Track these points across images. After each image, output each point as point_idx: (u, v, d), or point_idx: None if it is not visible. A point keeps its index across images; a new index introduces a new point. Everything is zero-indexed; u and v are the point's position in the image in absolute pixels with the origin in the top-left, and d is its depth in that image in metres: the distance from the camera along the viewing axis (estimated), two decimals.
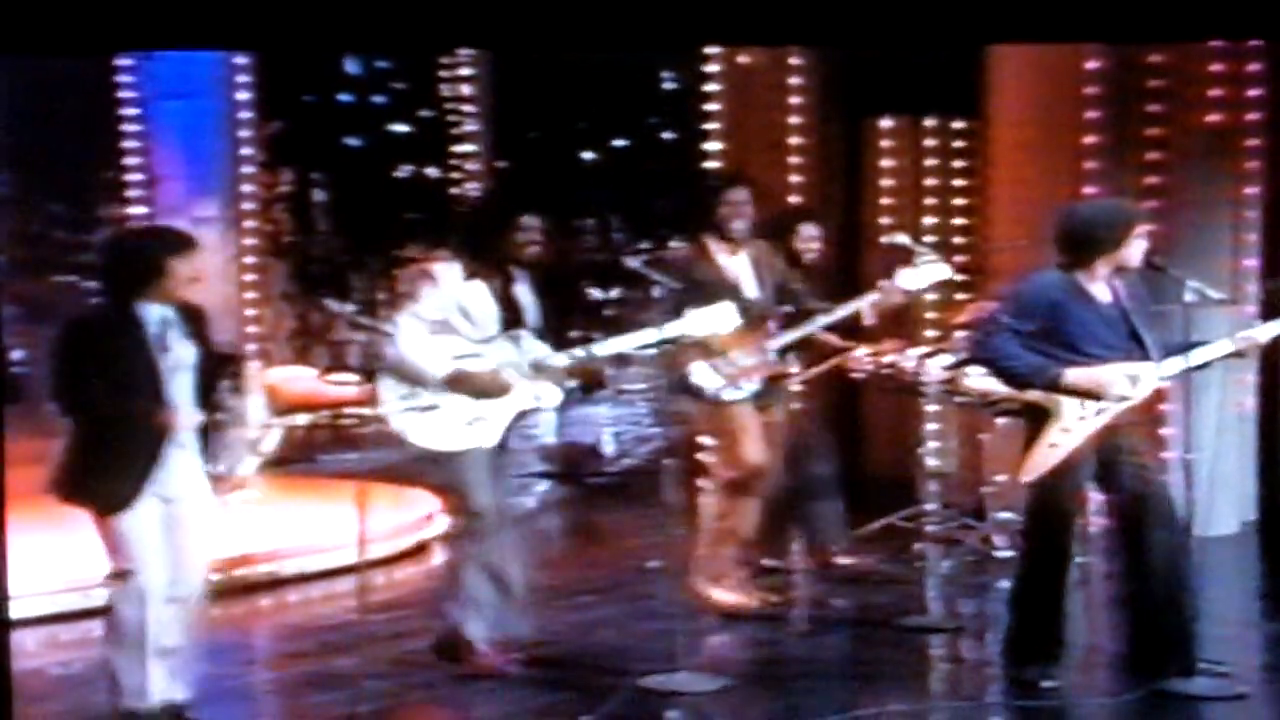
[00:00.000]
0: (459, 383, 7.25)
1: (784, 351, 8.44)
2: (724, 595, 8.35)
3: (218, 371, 6.48)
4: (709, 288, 7.88)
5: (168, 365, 6.30)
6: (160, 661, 6.38)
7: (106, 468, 6.26)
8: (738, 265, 8.31)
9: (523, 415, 7.42)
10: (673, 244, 8.78)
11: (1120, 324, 7.03)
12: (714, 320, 7.42)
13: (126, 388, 6.23)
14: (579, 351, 7.48)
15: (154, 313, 6.30)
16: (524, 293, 7.47)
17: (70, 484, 6.28)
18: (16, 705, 5.56)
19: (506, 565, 7.39)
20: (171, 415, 6.26)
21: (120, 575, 6.32)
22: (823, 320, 8.41)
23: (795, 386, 8.88)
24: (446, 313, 7.29)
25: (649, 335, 7.45)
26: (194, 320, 6.41)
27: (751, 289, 8.31)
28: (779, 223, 9.02)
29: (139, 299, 6.29)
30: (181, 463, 6.37)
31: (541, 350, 7.38)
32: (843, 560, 9.28)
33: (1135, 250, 7.03)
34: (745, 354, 8.21)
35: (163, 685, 6.40)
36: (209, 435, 6.47)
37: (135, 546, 6.27)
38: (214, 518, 6.51)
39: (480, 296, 7.33)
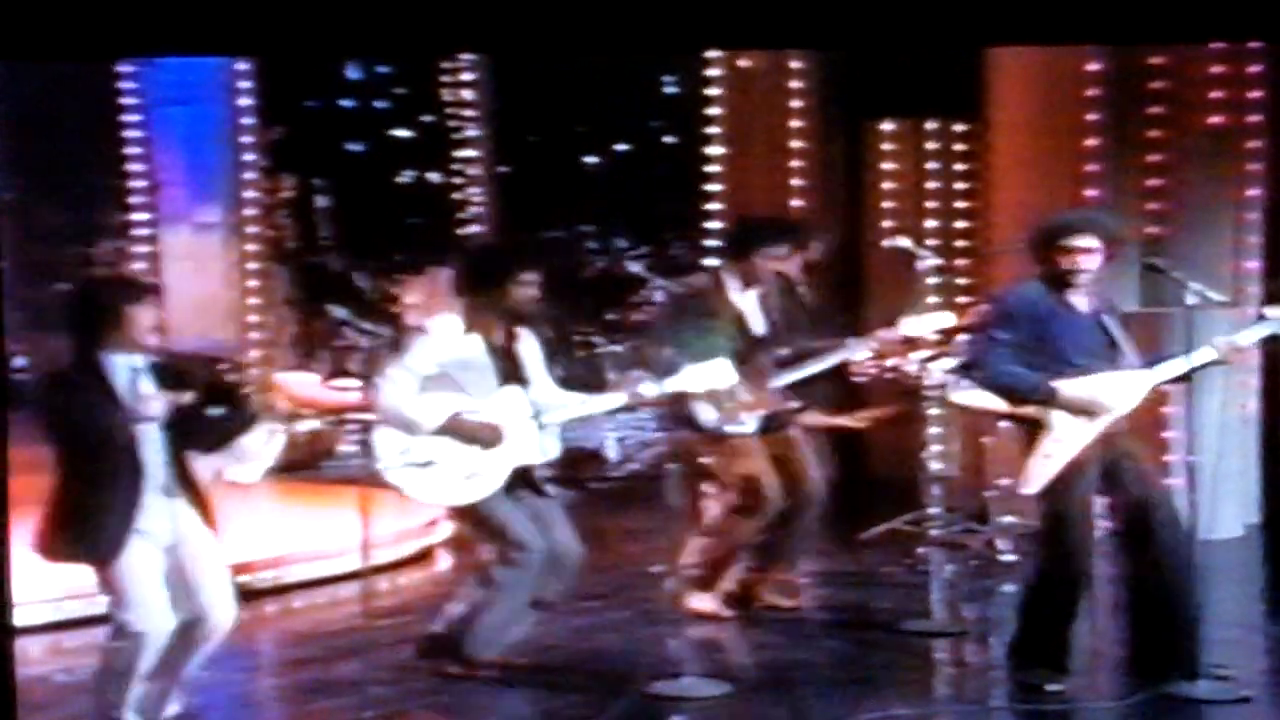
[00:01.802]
0: (453, 431, 7.23)
1: (789, 388, 8.41)
2: (702, 603, 8.31)
3: (203, 421, 6.43)
4: (716, 321, 7.90)
5: (138, 415, 6.27)
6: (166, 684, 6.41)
7: (85, 520, 6.24)
8: (747, 301, 8.34)
9: (524, 469, 7.39)
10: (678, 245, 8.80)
11: (1099, 332, 7.05)
12: (709, 377, 7.43)
13: (95, 441, 6.20)
14: (577, 408, 7.48)
15: (122, 363, 6.27)
16: (528, 345, 7.45)
17: (54, 542, 6.27)
18: (21, 713, 5.57)
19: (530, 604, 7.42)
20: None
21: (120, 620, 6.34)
22: (821, 364, 8.42)
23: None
24: (442, 366, 7.26)
25: (648, 390, 7.44)
26: (170, 371, 6.36)
27: (758, 325, 8.33)
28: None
29: (102, 349, 6.26)
30: (173, 508, 6.36)
31: (544, 403, 7.36)
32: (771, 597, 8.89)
33: (1074, 260, 6.99)
34: (746, 390, 8.17)
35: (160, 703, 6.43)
36: (194, 482, 6.45)
37: (130, 592, 6.27)
38: (219, 555, 6.51)
39: (477, 350, 7.31)
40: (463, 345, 7.30)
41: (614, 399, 7.54)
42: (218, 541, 6.49)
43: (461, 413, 7.23)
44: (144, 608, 6.27)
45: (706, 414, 8.10)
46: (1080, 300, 7.07)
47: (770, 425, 8.30)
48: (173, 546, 6.36)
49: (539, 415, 7.34)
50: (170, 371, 6.34)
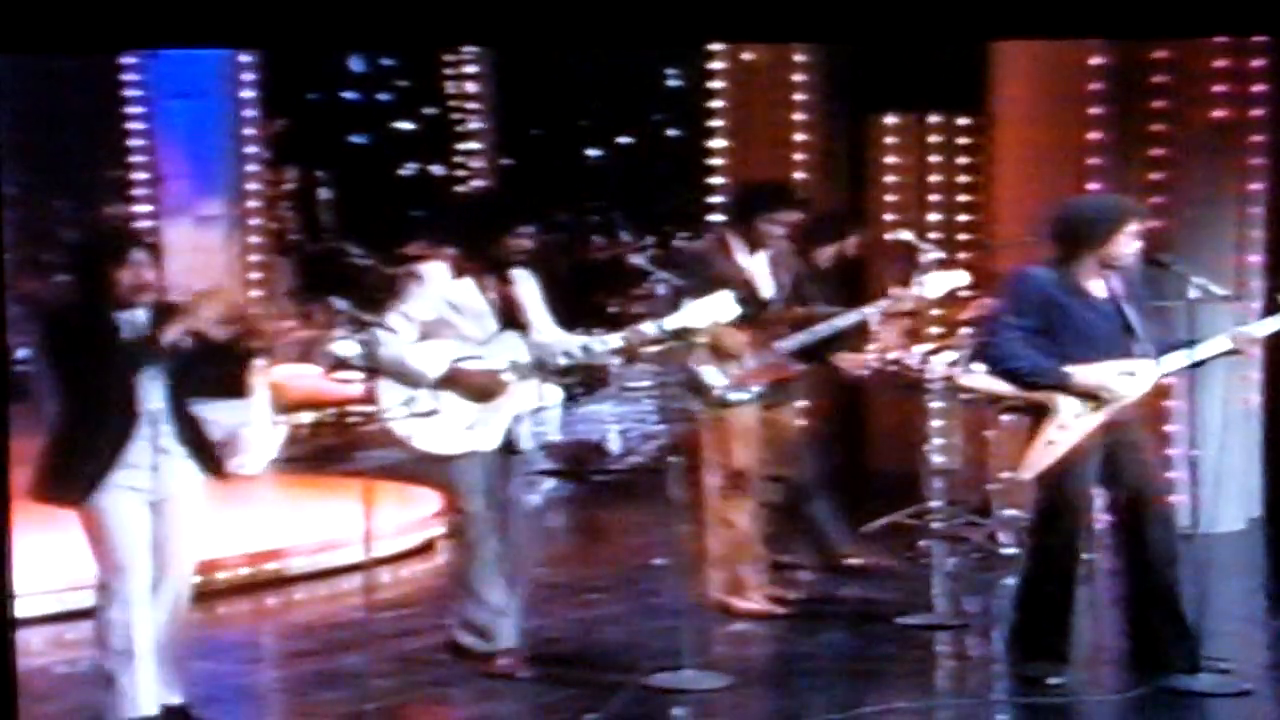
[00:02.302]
0: (454, 383, 7.24)
1: (798, 354, 8.43)
2: (743, 604, 8.33)
3: (203, 368, 6.45)
4: (724, 284, 7.87)
5: (140, 365, 6.29)
6: (154, 664, 6.39)
7: (72, 458, 6.26)
8: (756, 264, 8.34)
9: (529, 414, 7.41)
10: (681, 237, 8.85)
11: (1115, 319, 7.04)
12: (713, 311, 7.41)
13: (89, 385, 6.23)
14: (578, 349, 7.47)
15: (124, 315, 6.29)
16: (528, 292, 7.46)
17: (39, 483, 6.29)
18: (22, 704, 5.57)
19: (512, 564, 7.39)
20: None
21: (104, 579, 6.34)
22: (833, 325, 8.43)
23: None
24: (438, 312, 7.27)
25: (649, 329, 7.44)
26: (168, 311, 6.34)
27: (767, 289, 8.34)
28: (829, 227, 9.18)
29: (103, 303, 6.29)
30: (166, 464, 6.37)
31: (543, 348, 7.37)
32: (850, 560, 9.22)
33: (1126, 246, 7.01)
34: (753, 355, 8.21)
35: (156, 688, 6.41)
36: (197, 435, 6.47)
37: (115, 543, 6.27)
38: (202, 519, 6.51)
39: (470, 294, 7.32)
40: (456, 290, 7.31)
41: (617, 339, 7.54)
42: (204, 505, 6.50)
43: (462, 362, 7.25)
44: (125, 562, 6.27)
45: (713, 378, 8.10)
46: (1098, 286, 7.06)
47: (775, 392, 8.31)
48: (159, 503, 6.37)
49: (540, 359, 7.35)
50: (167, 312, 6.33)
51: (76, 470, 6.25)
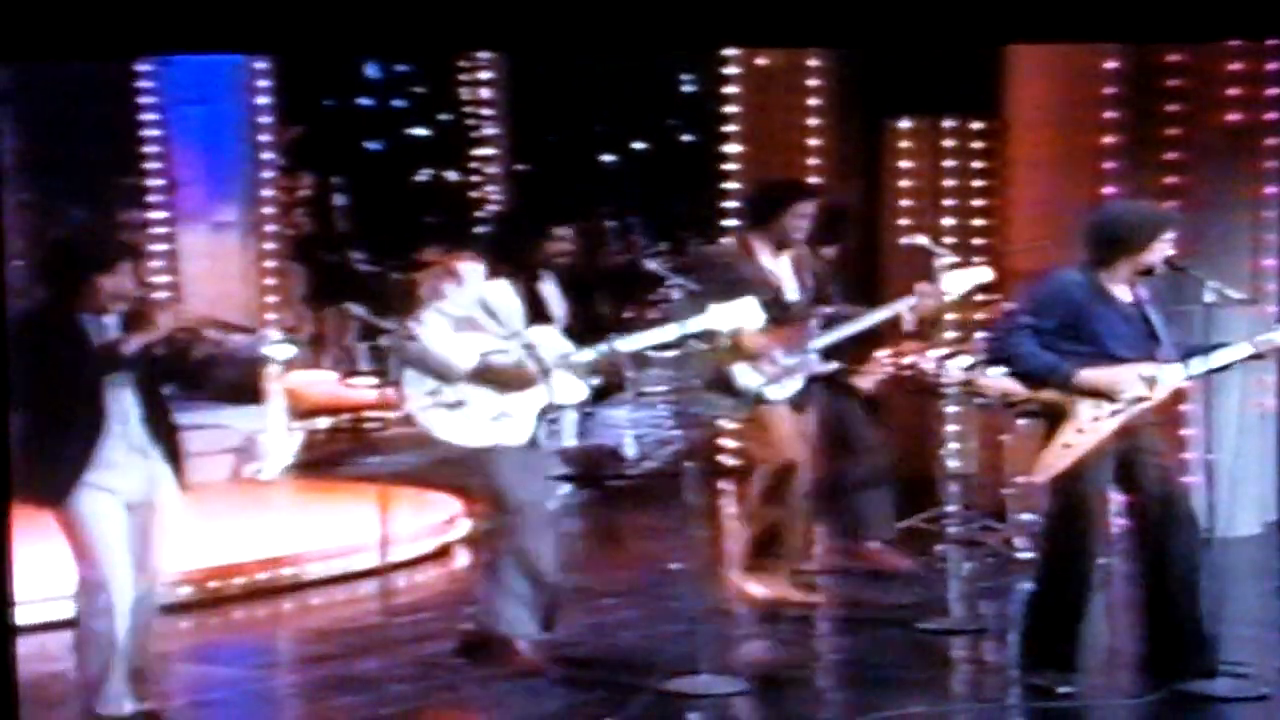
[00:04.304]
0: (484, 376, 7.28)
1: (825, 352, 8.45)
2: (760, 589, 8.35)
3: (167, 374, 6.46)
4: (748, 286, 7.88)
5: (109, 369, 6.27)
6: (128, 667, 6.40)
7: (44, 459, 6.23)
8: (780, 266, 8.36)
9: (550, 410, 7.45)
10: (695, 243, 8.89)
11: (1140, 324, 7.03)
12: (738, 316, 7.43)
13: (59, 387, 6.21)
14: (603, 346, 7.51)
15: (92, 321, 6.31)
16: (550, 291, 7.53)
17: (16, 480, 6.30)
18: (34, 710, 5.58)
19: (542, 565, 7.42)
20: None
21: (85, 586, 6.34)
22: (862, 323, 8.45)
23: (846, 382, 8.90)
24: (471, 310, 7.34)
25: (672, 330, 7.47)
26: (138, 317, 6.36)
27: (792, 290, 8.36)
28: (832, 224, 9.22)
29: (73, 308, 6.30)
30: (144, 466, 6.38)
31: (566, 346, 7.42)
32: (887, 557, 9.19)
33: (1159, 254, 7.02)
34: (786, 354, 8.23)
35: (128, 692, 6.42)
36: (172, 441, 6.47)
37: (93, 547, 6.28)
38: (181, 523, 6.51)
39: (504, 294, 7.39)
40: (491, 290, 7.39)
41: (638, 340, 7.57)
42: (182, 508, 6.51)
43: (493, 356, 7.29)
44: (105, 563, 6.27)
45: (746, 379, 8.09)
46: (1124, 291, 7.06)
47: (807, 391, 8.32)
48: (140, 506, 6.37)
49: (565, 356, 7.39)
50: (138, 317, 6.34)
51: (51, 471, 6.24)
